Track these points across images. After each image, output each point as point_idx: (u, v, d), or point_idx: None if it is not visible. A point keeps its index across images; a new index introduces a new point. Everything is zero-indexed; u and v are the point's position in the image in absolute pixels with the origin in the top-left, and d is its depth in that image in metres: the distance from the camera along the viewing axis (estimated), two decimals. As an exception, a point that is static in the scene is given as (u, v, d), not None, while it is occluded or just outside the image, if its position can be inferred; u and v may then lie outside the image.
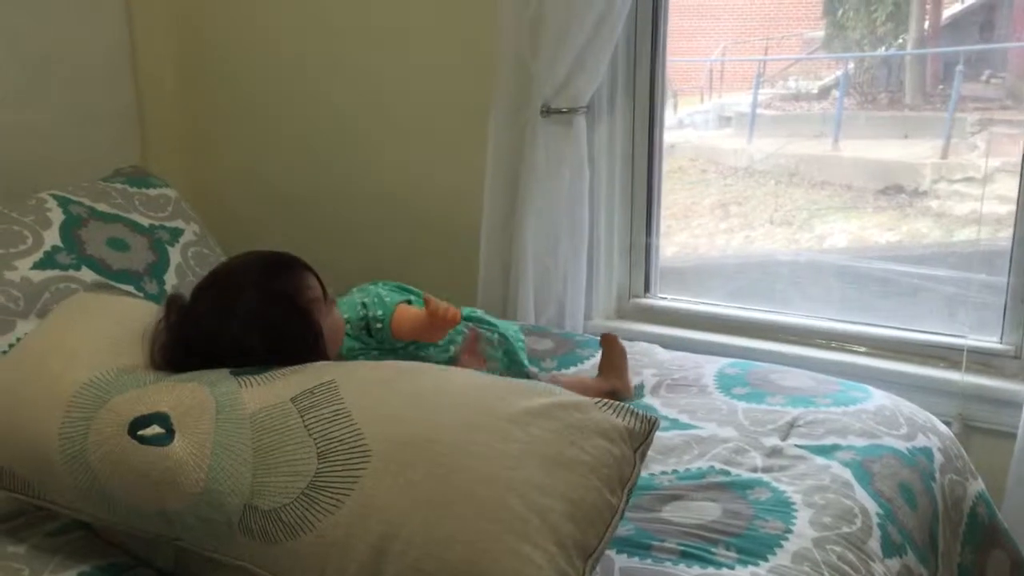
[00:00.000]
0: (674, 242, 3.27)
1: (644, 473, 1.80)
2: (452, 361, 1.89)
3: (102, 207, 2.49)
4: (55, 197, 2.44)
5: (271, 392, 1.42)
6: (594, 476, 1.30)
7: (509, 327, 2.06)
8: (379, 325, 1.77)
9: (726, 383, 2.20)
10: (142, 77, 3.05)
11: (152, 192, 2.66)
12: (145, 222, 2.55)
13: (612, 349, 2.16)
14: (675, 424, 2.01)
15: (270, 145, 3.16)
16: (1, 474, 1.58)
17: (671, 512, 1.67)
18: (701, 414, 2.05)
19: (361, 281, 2.40)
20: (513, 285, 2.72)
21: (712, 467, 1.83)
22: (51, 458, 1.47)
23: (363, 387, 1.41)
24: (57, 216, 2.38)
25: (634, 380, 2.22)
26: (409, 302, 1.86)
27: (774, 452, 1.88)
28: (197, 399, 1.43)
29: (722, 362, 2.32)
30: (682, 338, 2.74)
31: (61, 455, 1.46)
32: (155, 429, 1.41)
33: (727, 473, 1.80)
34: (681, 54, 4.17)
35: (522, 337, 2.08)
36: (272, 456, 1.34)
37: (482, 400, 1.36)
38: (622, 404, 1.40)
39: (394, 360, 1.60)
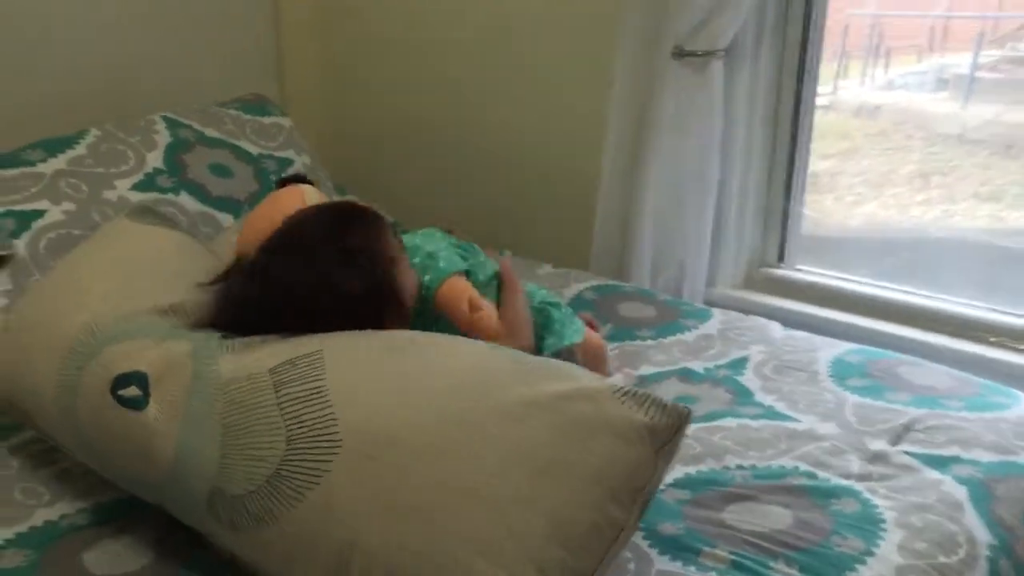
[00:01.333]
0: (860, 212, 2.98)
1: (716, 465, 1.59)
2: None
3: (211, 132, 2.45)
4: (165, 119, 2.42)
5: (252, 359, 1.26)
6: (596, 486, 1.10)
7: (536, 292, 1.83)
8: (423, 293, 1.59)
9: (842, 372, 1.93)
10: (282, 13, 3.00)
11: (266, 120, 2.60)
12: (254, 150, 2.50)
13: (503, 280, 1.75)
14: (768, 413, 1.77)
15: (399, 84, 3.05)
16: (16, 414, 1.53)
17: (734, 514, 1.46)
18: (803, 405, 1.80)
19: (476, 228, 2.30)
20: (630, 244, 2.52)
21: (797, 467, 1.59)
22: (49, 408, 1.40)
23: (351, 362, 1.23)
24: (163, 138, 2.36)
25: (738, 353, 1.99)
26: (467, 273, 1.63)
27: (877, 458, 1.62)
28: (177, 359, 1.30)
29: (843, 347, 2.04)
30: (813, 317, 2.46)
31: (56, 406, 1.39)
32: (133, 390, 1.30)
33: (813, 476, 1.56)
34: (899, 7, 3.78)
35: (552, 299, 1.82)
36: (241, 436, 1.19)
37: (478, 387, 1.18)
38: (646, 393, 1.19)
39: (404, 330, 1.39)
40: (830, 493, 1.51)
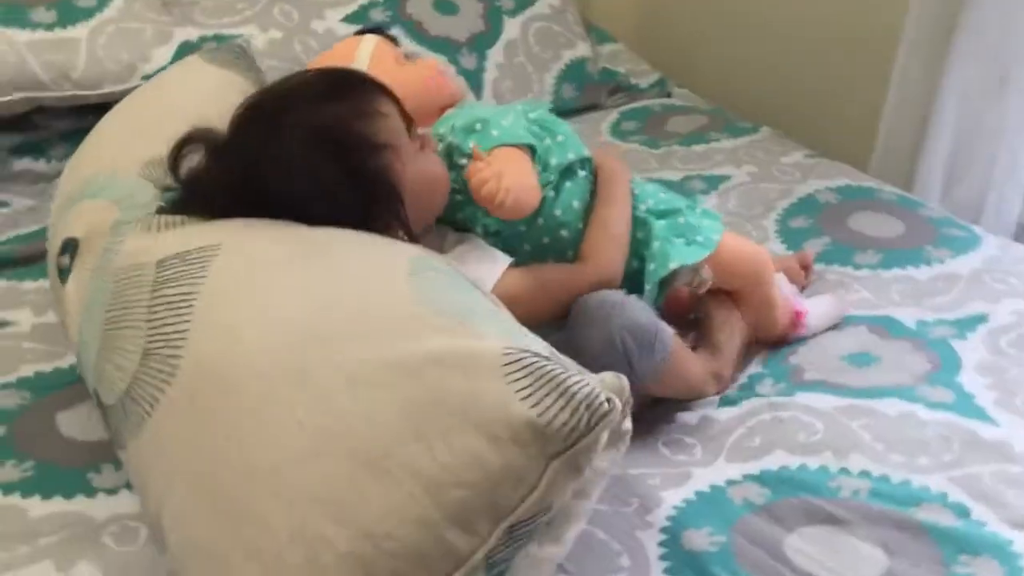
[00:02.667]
0: None
1: (831, 463, 1.16)
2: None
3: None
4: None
5: (154, 244, 1.05)
6: (428, 499, 0.80)
7: (647, 195, 1.38)
8: (463, 161, 1.25)
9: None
10: None
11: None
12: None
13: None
14: (958, 402, 1.26)
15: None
16: None
17: (800, 543, 1.05)
18: (1021, 402, 1.27)
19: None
20: (924, 143, 1.95)
21: (946, 494, 1.11)
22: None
23: (242, 264, 0.99)
24: (393, -34, 2.18)
25: (980, 307, 1.46)
26: (533, 151, 1.25)
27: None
28: (100, 228, 1.12)
29: None
30: None
31: (50, 265, 1.26)
32: (65, 260, 1.16)
33: (963, 513, 1.08)
34: None
35: (670, 205, 1.37)
36: (114, 337, 1.00)
37: (348, 326, 0.89)
38: (558, 370, 0.83)
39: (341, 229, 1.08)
40: (971, 546, 1.04)
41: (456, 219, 1.29)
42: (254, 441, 0.84)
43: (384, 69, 1.30)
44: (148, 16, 1.97)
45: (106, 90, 1.89)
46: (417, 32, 2.13)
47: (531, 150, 1.26)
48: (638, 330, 1.19)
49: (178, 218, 1.08)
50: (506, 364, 0.83)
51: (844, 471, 1.15)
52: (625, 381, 0.91)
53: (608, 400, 0.82)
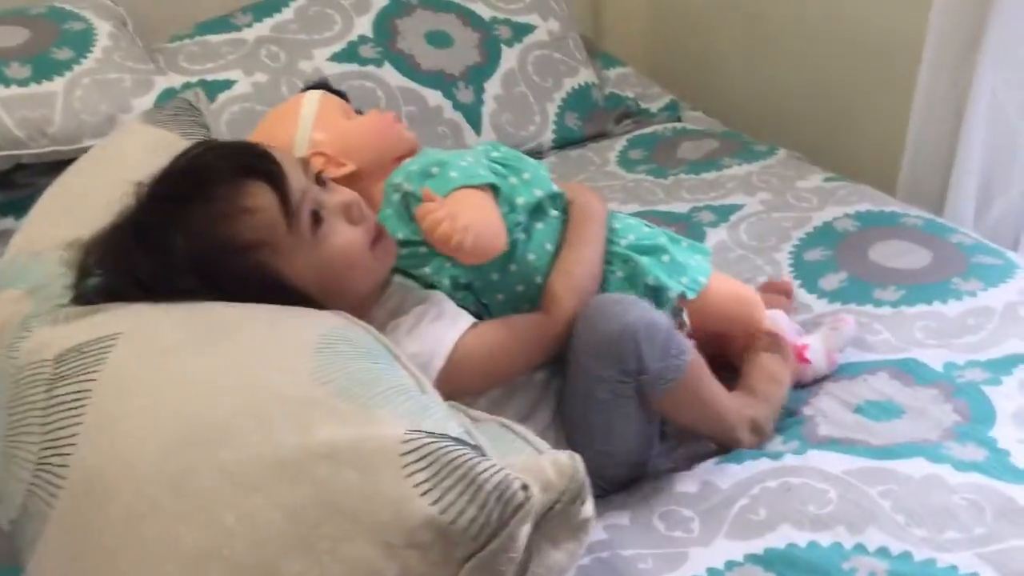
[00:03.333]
0: None
1: (845, 540, 1.03)
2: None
3: (444, -10, 2.13)
4: (392, -25, 2.13)
5: (54, 336, 0.95)
6: None
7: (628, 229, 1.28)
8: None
9: None
10: None
11: (515, -23, 2.21)
12: (486, 14, 2.15)
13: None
14: (992, 461, 1.12)
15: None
16: None
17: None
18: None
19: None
20: (954, 161, 1.80)
21: (974, 574, 0.97)
22: None
23: (140, 354, 0.88)
24: (380, 0, 2.09)
25: (1018, 346, 1.32)
26: (495, 190, 1.15)
27: None
28: (9, 320, 1.02)
29: None
30: None
31: None
32: None
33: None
34: None
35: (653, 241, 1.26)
36: (13, 444, 0.90)
37: (234, 422, 0.78)
38: (466, 458, 0.73)
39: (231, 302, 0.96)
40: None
41: (423, 273, 1.18)
42: (128, 562, 0.74)
43: (330, 122, 1.22)
44: (127, 65, 1.90)
45: (85, 144, 1.80)
46: (409, 67, 2.04)
47: (494, 189, 1.15)
48: (652, 327, 1.11)
49: (91, 307, 0.97)
50: (405, 453, 0.73)
51: (860, 548, 1.02)
52: (578, 461, 0.80)
53: (524, 488, 0.71)
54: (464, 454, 0.72)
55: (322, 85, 1.32)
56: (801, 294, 1.52)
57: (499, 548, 0.71)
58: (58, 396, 0.87)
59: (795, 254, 1.63)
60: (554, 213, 1.21)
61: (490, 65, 2.10)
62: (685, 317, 1.23)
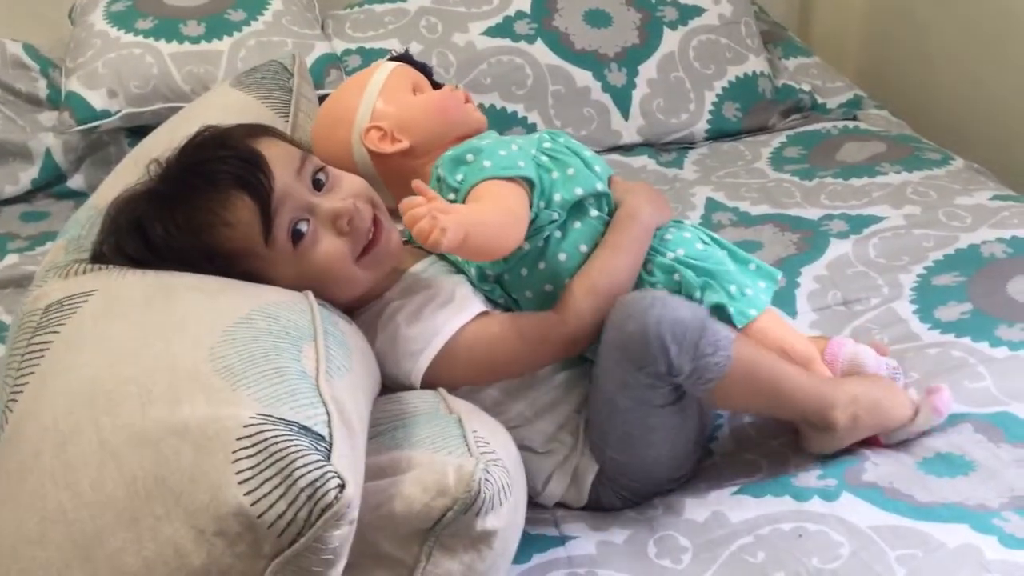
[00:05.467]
0: None
1: None
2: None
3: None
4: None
5: (54, 288, 0.99)
6: None
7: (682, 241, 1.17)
8: (451, 197, 1.10)
9: None
10: None
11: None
12: (646, -5, 2.07)
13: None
14: None
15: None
16: None
17: None
18: None
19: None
20: None
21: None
22: None
23: (98, 312, 0.91)
24: (546, -26, 2.06)
25: None
26: (530, 183, 1.09)
27: None
28: (42, 271, 1.09)
29: None
30: None
31: None
32: None
33: None
34: None
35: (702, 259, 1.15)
36: (1, 387, 0.94)
37: (123, 388, 0.79)
38: (298, 443, 0.71)
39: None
40: None
41: (456, 259, 1.16)
42: (6, 512, 0.77)
43: (395, 96, 1.19)
44: (292, 30, 1.99)
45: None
46: (561, 46, 2.00)
47: (529, 184, 1.10)
48: (678, 325, 1.02)
49: (98, 266, 1.03)
50: (241, 438, 0.71)
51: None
52: (486, 472, 0.76)
53: (341, 487, 0.68)
54: (293, 445, 0.71)
55: (405, 58, 1.31)
56: (913, 323, 1.36)
57: (305, 548, 0.69)
58: (33, 345, 0.92)
59: (923, 277, 1.45)
60: (595, 213, 1.15)
61: (648, 47, 2.02)
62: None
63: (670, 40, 2.03)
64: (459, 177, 1.11)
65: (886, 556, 0.96)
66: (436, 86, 1.25)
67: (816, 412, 1.09)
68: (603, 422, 1.11)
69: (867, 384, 1.13)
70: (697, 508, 1.08)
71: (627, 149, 1.99)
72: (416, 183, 0.99)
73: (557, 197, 1.12)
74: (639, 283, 1.13)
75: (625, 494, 1.14)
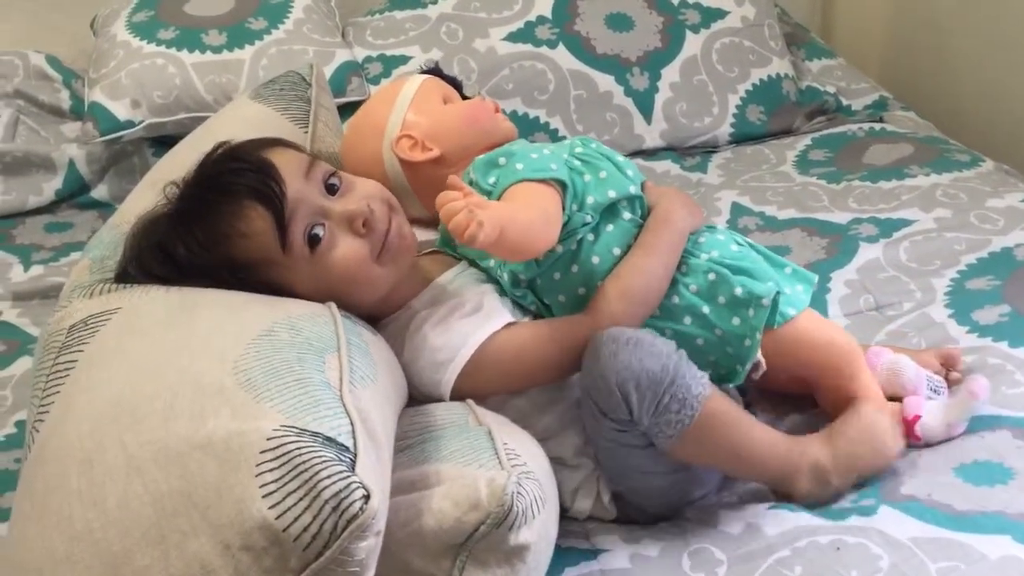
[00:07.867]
0: None
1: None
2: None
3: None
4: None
5: (78, 308, 0.99)
6: None
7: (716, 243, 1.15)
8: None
9: None
10: None
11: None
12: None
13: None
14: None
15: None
16: None
17: None
18: None
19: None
20: None
21: None
22: None
23: (121, 330, 0.91)
24: (567, -21, 2.05)
25: None
26: (563, 186, 1.08)
27: None
28: (66, 291, 1.08)
29: None
30: None
31: None
32: None
33: None
34: None
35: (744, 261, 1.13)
36: (30, 408, 0.95)
37: (148, 405, 0.78)
38: (322, 454, 0.70)
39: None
40: None
41: (487, 266, 1.15)
42: (33, 531, 0.77)
43: (425, 106, 1.19)
44: (314, 38, 1.99)
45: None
46: (583, 50, 1.99)
47: (562, 186, 1.09)
48: (643, 376, 0.99)
49: (123, 286, 1.02)
50: (265, 451, 0.71)
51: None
52: (519, 486, 0.75)
53: (366, 498, 0.67)
54: (317, 456, 0.70)
55: (435, 71, 1.31)
56: (950, 326, 1.34)
57: (332, 561, 0.68)
58: (58, 365, 0.92)
59: (957, 281, 1.43)
60: (628, 216, 1.13)
61: (671, 51, 2.01)
62: (759, 356, 1.11)
63: (693, 43, 2.02)
64: (492, 180, 1.10)
65: (927, 569, 0.94)
66: (466, 100, 1.25)
67: (774, 481, 1.09)
68: (597, 453, 1.10)
69: (839, 441, 1.08)
70: (732, 520, 1.06)
71: (650, 154, 1.97)
72: (452, 178, 0.98)
73: (590, 200, 1.11)
74: (673, 284, 1.11)
75: (650, 511, 1.12)
